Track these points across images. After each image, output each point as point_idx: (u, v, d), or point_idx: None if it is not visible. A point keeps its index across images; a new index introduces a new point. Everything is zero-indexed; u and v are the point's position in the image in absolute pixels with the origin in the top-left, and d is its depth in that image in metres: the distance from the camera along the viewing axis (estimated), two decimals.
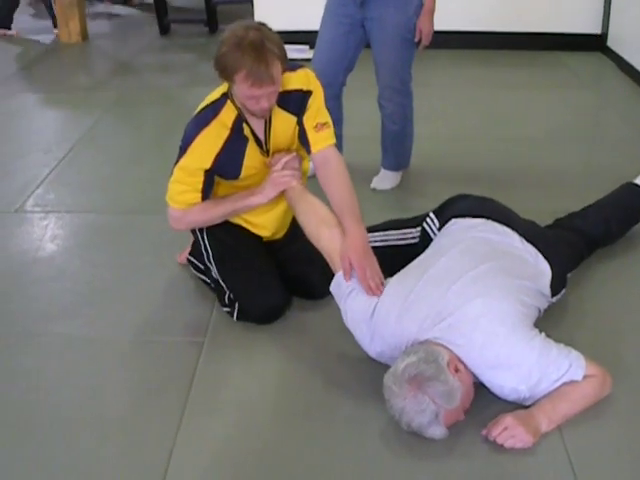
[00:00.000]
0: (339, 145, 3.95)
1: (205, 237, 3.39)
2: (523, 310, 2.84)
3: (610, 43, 7.28)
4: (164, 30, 8.47)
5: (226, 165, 3.17)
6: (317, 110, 3.22)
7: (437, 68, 6.96)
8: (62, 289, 3.60)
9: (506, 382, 2.70)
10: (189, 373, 2.99)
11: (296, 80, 3.17)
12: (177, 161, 3.17)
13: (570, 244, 3.46)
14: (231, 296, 3.31)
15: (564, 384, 2.69)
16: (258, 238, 3.45)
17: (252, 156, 3.22)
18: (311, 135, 3.22)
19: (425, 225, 3.40)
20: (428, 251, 3.16)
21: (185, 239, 3.69)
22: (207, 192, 3.20)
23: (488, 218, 3.25)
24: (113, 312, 3.41)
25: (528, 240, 3.18)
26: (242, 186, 3.28)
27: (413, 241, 3.43)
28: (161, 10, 8.47)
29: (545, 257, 3.15)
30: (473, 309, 2.75)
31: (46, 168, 4.89)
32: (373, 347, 2.87)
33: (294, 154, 3.26)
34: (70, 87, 6.77)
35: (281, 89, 3.06)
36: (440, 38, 7.44)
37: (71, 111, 6.20)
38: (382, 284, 2.91)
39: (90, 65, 7.65)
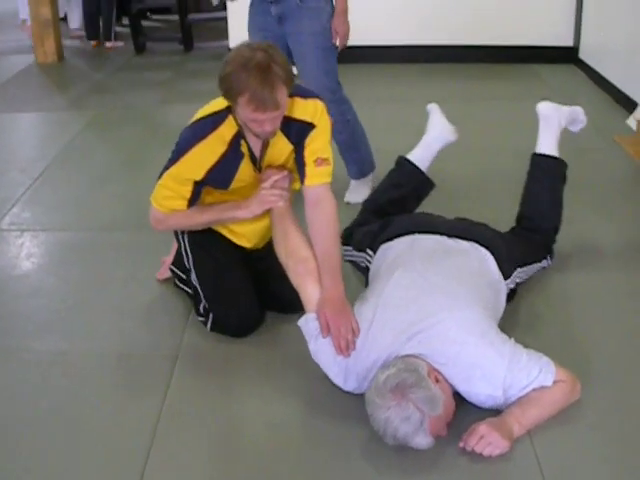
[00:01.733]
0: None
1: (186, 242, 3.39)
2: (487, 313, 2.88)
3: (582, 55, 7.35)
4: (139, 49, 8.49)
5: (217, 177, 3.14)
6: (322, 144, 3.14)
7: (411, 82, 7.02)
8: (38, 306, 3.60)
9: (482, 389, 2.71)
10: (163, 386, 3.00)
11: (304, 110, 3.09)
12: (168, 166, 3.12)
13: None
14: (206, 306, 3.31)
15: (534, 390, 2.70)
16: (239, 248, 3.43)
17: (245, 171, 3.18)
18: (309, 169, 3.14)
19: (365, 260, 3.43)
20: (372, 280, 3.18)
21: (160, 253, 3.71)
22: (194, 201, 3.18)
23: (413, 233, 3.31)
24: (88, 327, 3.42)
25: (459, 237, 3.28)
26: (230, 197, 3.25)
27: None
28: (136, 29, 8.49)
29: (481, 244, 3.25)
30: (439, 323, 2.76)
31: (21, 187, 4.89)
32: (349, 384, 2.86)
33: (285, 173, 3.21)
34: (46, 106, 6.78)
35: (287, 113, 3.01)
36: (415, 52, 7.56)
37: (47, 130, 6.21)
38: (354, 342, 2.82)
39: (66, 84, 7.64)
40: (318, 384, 2.97)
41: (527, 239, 3.58)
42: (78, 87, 7.45)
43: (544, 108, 3.90)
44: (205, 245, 3.37)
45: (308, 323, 2.94)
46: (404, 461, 2.61)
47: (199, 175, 3.09)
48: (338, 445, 2.71)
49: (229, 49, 7.43)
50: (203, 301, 3.33)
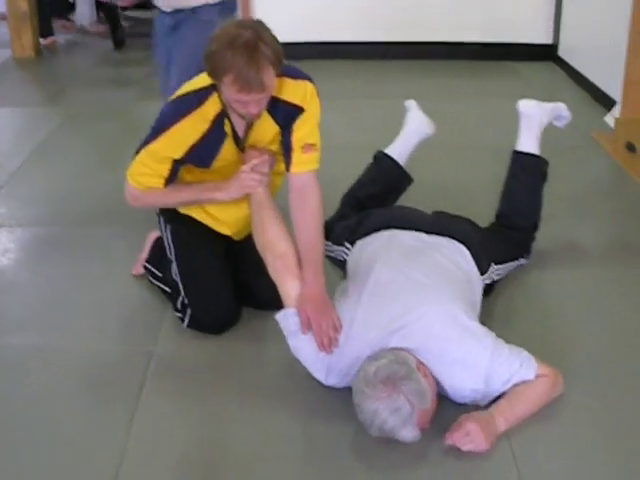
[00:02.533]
0: None
1: (169, 233, 3.36)
2: (466, 307, 2.88)
3: (561, 53, 7.36)
4: (118, 44, 8.44)
5: (198, 156, 3.05)
6: (310, 129, 3.04)
7: (389, 79, 7.01)
8: (13, 302, 3.58)
9: (465, 383, 2.71)
10: (139, 383, 2.98)
11: (293, 92, 2.97)
12: (146, 141, 3.02)
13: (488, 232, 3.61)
14: (185, 301, 3.28)
15: (517, 385, 2.71)
16: (222, 238, 3.39)
17: (227, 150, 3.08)
18: (296, 155, 3.03)
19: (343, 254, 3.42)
20: (351, 275, 3.15)
21: (136, 249, 3.69)
22: (171, 180, 3.10)
23: (391, 228, 3.31)
24: (63, 323, 3.40)
25: (436, 233, 3.28)
26: (210, 176, 3.18)
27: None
28: (115, 24, 8.44)
29: (457, 240, 3.26)
30: (422, 318, 2.76)
31: None
32: (330, 380, 2.85)
33: (265, 157, 3.09)
34: (22, 101, 6.73)
35: (275, 94, 2.89)
36: (391, 49, 7.56)
37: (23, 125, 6.16)
38: (336, 339, 2.80)
39: (43, 79, 7.59)
40: (297, 380, 2.96)
41: (505, 236, 3.59)
42: (55, 82, 7.40)
43: (525, 106, 3.91)
44: (188, 237, 3.34)
45: (287, 318, 2.90)
46: (393, 456, 2.61)
47: (179, 153, 3.00)
48: (323, 441, 2.71)
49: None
50: (182, 295, 3.29)
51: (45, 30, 8.42)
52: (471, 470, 2.56)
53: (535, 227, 3.75)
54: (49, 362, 3.14)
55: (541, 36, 7.54)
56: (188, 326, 3.28)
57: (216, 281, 3.31)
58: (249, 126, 3.04)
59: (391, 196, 3.90)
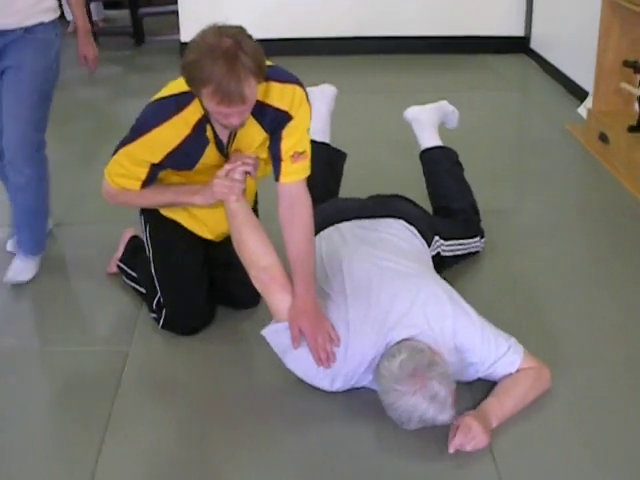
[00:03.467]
0: None
1: (148, 232, 3.32)
2: (439, 281, 2.96)
3: (533, 45, 7.40)
4: None
5: (179, 161, 2.96)
6: (299, 137, 2.90)
7: (361, 74, 7.02)
8: None
9: (472, 359, 2.78)
10: (114, 383, 2.97)
11: (280, 96, 2.84)
12: (124, 142, 2.93)
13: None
14: (161, 300, 3.26)
15: (504, 378, 2.78)
16: (200, 240, 3.32)
17: (210, 156, 2.97)
18: (285, 165, 2.89)
19: None
20: (319, 278, 3.01)
21: (111, 248, 3.69)
22: (148, 182, 3.01)
23: (335, 223, 3.30)
24: (37, 323, 3.40)
25: (377, 216, 3.32)
26: (197, 177, 3.06)
27: None
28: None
29: (397, 217, 3.32)
30: (415, 304, 2.79)
31: None
32: (336, 385, 2.82)
33: (238, 164, 2.91)
34: None
35: (261, 98, 2.78)
36: (364, 44, 7.56)
37: None
38: (334, 352, 2.75)
39: None
40: (269, 379, 2.99)
41: (448, 219, 3.66)
42: None
43: (410, 113, 4.04)
44: (166, 236, 3.28)
45: (280, 334, 2.83)
46: (375, 456, 2.61)
47: (156, 158, 2.91)
48: (301, 441, 2.71)
49: (180, 43, 7.41)
50: (159, 295, 3.28)
51: None
52: (452, 470, 2.57)
53: (473, 207, 3.80)
54: (23, 363, 3.13)
55: (513, 28, 7.58)
56: (162, 327, 3.26)
57: (192, 282, 3.27)
58: (233, 133, 2.94)
59: (332, 180, 3.89)
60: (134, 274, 3.52)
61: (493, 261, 3.75)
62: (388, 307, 2.78)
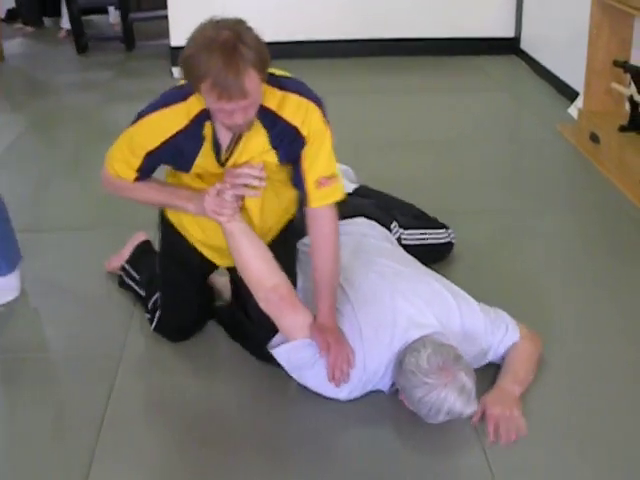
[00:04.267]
0: None
1: (161, 233, 3.22)
2: (436, 274, 3.04)
3: (523, 46, 7.41)
4: (81, 48, 8.40)
5: (174, 157, 2.78)
6: (324, 163, 2.72)
7: (354, 76, 7.03)
8: None
9: (480, 345, 2.85)
10: (107, 387, 2.96)
11: (294, 111, 2.66)
12: (131, 122, 2.78)
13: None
14: (158, 301, 3.24)
15: (507, 353, 2.89)
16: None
17: (206, 160, 2.76)
18: (311, 191, 2.74)
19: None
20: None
21: (104, 253, 3.69)
22: (143, 176, 2.83)
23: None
24: (30, 328, 3.38)
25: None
26: (210, 181, 2.82)
27: None
28: (78, 28, 8.41)
29: (356, 216, 3.36)
30: (420, 303, 2.83)
31: None
32: (353, 395, 2.81)
33: (227, 188, 2.72)
34: None
35: (274, 108, 2.64)
36: (356, 47, 7.57)
37: None
38: (348, 374, 2.73)
39: (7, 86, 7.54)
40: (264, 380, 2.97)
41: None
42: (19, 88, 7.37)
43: None
44: (179, 241, 3.14)
45: (299, 351, 2.77)
46: (365, 454, 2.61)
47: (152, 145, 2.71)
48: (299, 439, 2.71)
49: (170, 47, 7.41)
50: (157, 296, 3.25)
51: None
52: (443, 466, 2.58)
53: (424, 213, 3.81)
54: (14, 369, 3.12)
55: (503, 29, 7.59)
56: (154, 329, 3.25)
57: (192, 286, 3.21)
58: (237, 137, 2.71)
59: None
60: (137, 276, 3.49)
61: (484, 261, 3.76)
62: (395, 309, 2.80)
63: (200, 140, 2.72)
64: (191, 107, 2.66)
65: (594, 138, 4.93)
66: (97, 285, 3.68)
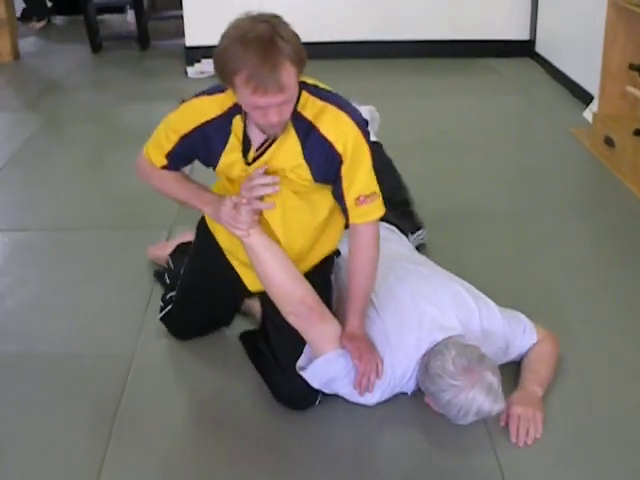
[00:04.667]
0: None
1: (195, 239, 3.18)
2: (453, 276, 3.05)
3: (538, 49, 7.39)
4: (96, 48, 8.42)
5: (204, 147, 2.69)
6: (364, 182, 2.65)
7: (368, 77, 7.02)
8: None
9: (498, 345, 2.87)
10: (119, 388, 2.97)
11: (333, 125, 2.58)
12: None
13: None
14: (172, 298, 3.24)
15: (526, 355, 2.93)
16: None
17: (232, 158, 2.69)
18: (351, 208, 2.67)
19: None
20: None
21: (116, 253, 3.68)
22: (173, 162, 2.77)
23: None
24: (43, 328, 3.38)
25: None
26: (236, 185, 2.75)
27: None
28: (92, 28, 8.43)
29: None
30: (443, 305, 2.85)
31: None
32: (383, 398, 2.79)
33: (244, 203, 2.62)
34: (0, 107, 6.70)
35: (311, 118, 2.57)
36: (368, 48, 7.56)
37: (1, 131, 6.13)
38: (373, 384, 2.71)
39: (21, 84, 7.57)
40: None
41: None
42: (33, 87, 7.37)
43: None
44: (209, 253, 3.05)
45: (333, 363, 2.72)
46: (374, 453, 2.61)
47: (186, 128, 2.65)
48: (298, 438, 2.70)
49: (185, 47, 7.42)
50: (175, 291, 3.25)
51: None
52: (454, 466, 2.58)
53: (407, 203, 3.80)
54: (29, 368, 3.12)
55: (518, 32, 7.57)
56: (160, 319, 3.26)
57: (204, 302, 3.13)
58: (271, 141, 2.62)
59: None
60: (172, 265, 3.50)
61: (500, 263, 3.75)
62: (419, 311, 2.81)
63: (227, 133, 2.65)
64: (227, 99, 2.61)
65: (609, 142, 4.91)
66: (108, 285, 3.69)
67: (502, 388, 2.62)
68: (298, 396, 2.81)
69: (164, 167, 2.79)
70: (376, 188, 2.69)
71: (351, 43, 7.60)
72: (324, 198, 2.79)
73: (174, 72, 7.30)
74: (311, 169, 2.64)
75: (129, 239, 3.99)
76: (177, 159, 2.78)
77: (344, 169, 2.61)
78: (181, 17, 7.53)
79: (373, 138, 3.73)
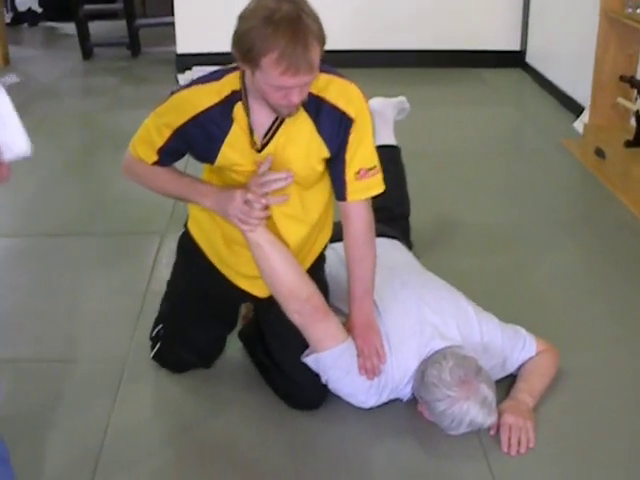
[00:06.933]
0: None
1: (175, 261, 3.08)
2: (453, 288, 3.04)
3: (529, 59, 7.41)
4: (87, 54, 8.40)
5: (201, 140, 2.57)
6: (366, 151, 2.61)
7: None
8: None
9: (493, 360, 2.85)
10: (111, 394, 2.95)
11: (339, 93, 2.53)
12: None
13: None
14: (160, 332, 3.08)
15: (524, 365, 2.91)
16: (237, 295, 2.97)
17: (235, 147, 2.57)
18: (350, 183, 2.61)
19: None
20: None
21: (107, 259, 3.67)
22: (165, 158, 2.64)
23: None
24: (34, 333, 3.37)
25: None
26: (234, 179, 2.66)
27: None
28: (83, 34, 8.42)
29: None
30: (445, 315, 2.85)
31: None
32: (381, 401, 2.80)
33: (259, 198, 2.52)
34: None
35: (316, 91, 2.49)
36: (358, 57, 7.56)
37: None
38: (379, 367, 2.70)
39: (11, 90, 7.54)
40: (263, 392, 2.95)
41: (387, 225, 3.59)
42: (24, 93, 7.35)
43: (375, 103, 4.02)
44: (194, 261, 2.96)
45: (336, 359, 2.71)
46: (368, 457, 2.60)
47: (180, 120, 2.52)
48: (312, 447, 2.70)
49: (176, 54, 7.42)
50: (160, 326, 3.09)
51: None
52: (445, 470, 2.60)
53: (406, 216, 3.79)
54: (21, 374, 3.11)
55: (509, 43, 7.60)
56: (153, 358, 3.10)
57: (198, 323, 3.00)
58: (279, 122, 2.54)
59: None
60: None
61: (489, 273, 3.76)
62: (421, 318, 2.81)
63: (229, 122, 2.54)
64: (224, 87, 2.51)
65: (599, 153, 4.92)
66: (100, 290, 3.68)
67: (496, 401, 2.63)
68: (315, 399, 2.84)
69: (155, 163, 2.66)
70: (377, 162, 2.64)
71: (340, 52, 7.59)
72: (316, 195, 2.76)
73: (165, 79, 7.29)
74: (326, 143, 2.57)
75: (121, 245, 3.98)
76: (169, 154, 2.65)
77: (353, 134, 2.55)
78: (172, 24, 7.53)
79: (392, 142, 3.86)
